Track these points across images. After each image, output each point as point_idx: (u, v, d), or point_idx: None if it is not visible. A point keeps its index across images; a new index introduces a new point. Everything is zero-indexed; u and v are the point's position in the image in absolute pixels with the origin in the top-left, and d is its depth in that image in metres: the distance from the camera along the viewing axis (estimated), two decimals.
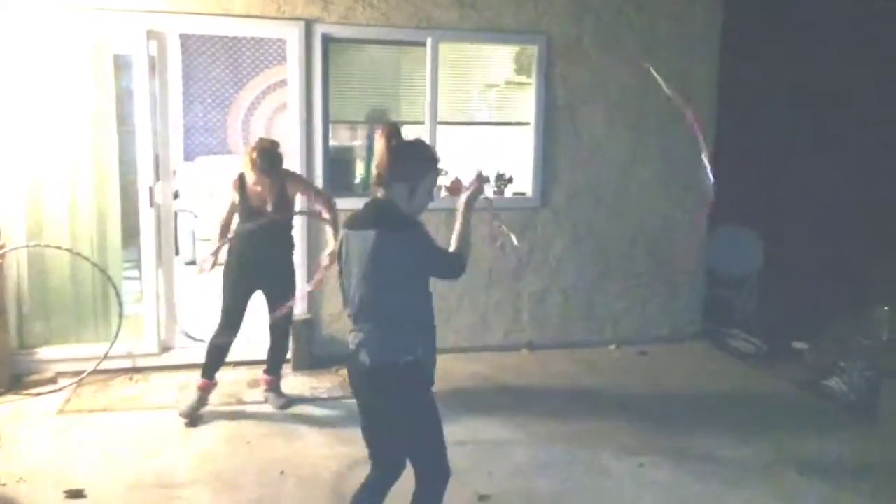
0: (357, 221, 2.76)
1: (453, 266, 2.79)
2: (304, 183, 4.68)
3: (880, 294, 5.96)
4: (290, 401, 4.71)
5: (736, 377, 5.50)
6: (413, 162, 2.76)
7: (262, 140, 4.40)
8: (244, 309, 4.53)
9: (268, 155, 4.27)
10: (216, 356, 4.55)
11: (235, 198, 4.46)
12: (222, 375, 5.06)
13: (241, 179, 4.42)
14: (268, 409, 4.62)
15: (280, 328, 4.68)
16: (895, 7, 5.85)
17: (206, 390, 4.53)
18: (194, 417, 4.42)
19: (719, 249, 6.29)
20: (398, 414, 2.76)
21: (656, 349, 5.94)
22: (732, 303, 6.35)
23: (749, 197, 6.36)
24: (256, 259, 4.42)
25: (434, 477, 2.81)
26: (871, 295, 6.01)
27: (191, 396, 4.52)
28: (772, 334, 5.90)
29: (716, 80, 6.04)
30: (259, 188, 4.31)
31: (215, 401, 4.68)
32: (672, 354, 5.88)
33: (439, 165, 2.89)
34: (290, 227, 4.69)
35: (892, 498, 3.77)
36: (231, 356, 5.21)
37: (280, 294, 4.51)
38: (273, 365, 4.73)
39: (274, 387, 4.73)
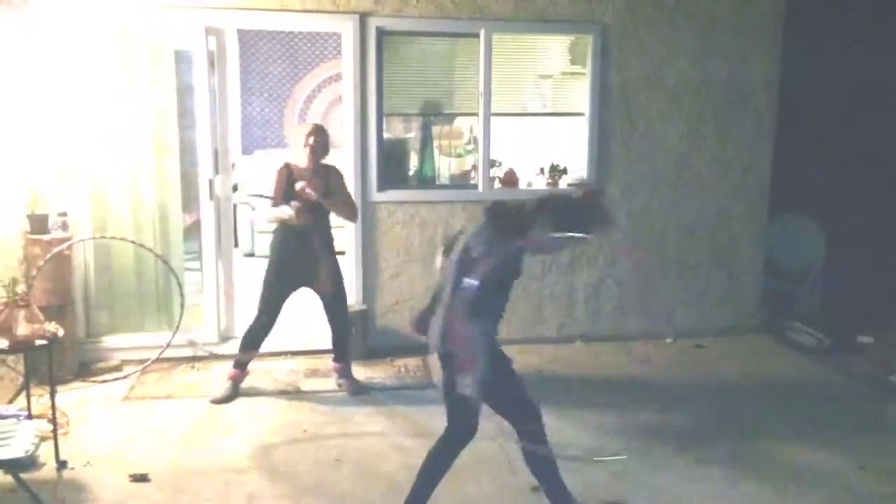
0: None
1: None
2: (342, 181, 4.70)
3: None
4: (364, 386, 4.82)
5: (797, 372, 5.36)
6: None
7: (317, 125, 4.59)
8: (282, 303, 4.66)
9: (326, 140, 4.53)
10: (249, 346, 4.68)
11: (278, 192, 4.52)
12: (280, 364, 5.19)
13: (289, 170, 4.51)
14: (324, 397, 4.69)
15: (335, 318, 4.75)
16: None
17: (237, 380, 4.68)
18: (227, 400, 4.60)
19: (780, 240, 6.13)
20: None
21: (714, 342, 5.83)
22: (793, 295, 6.18)
23: (811, 186, 6.18)
24: (300, 257, 4.54)
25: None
26: None
27: (223, 386, 4.66)
28: (835, 328, 5.72)
29: (777, 67, 5.88)
30: (306, 178, 4.42)
31: (272, 388, 4.78)
32: (730, 348, 5.76)
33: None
34: (329, 225, 4.70)
35: None
36: (288, 345, 5.35)
37: (329, 289, 4.64)
38: (338, 352, 4.81)
39: (344, 373, 4.81)
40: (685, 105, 5.78)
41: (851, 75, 6.21)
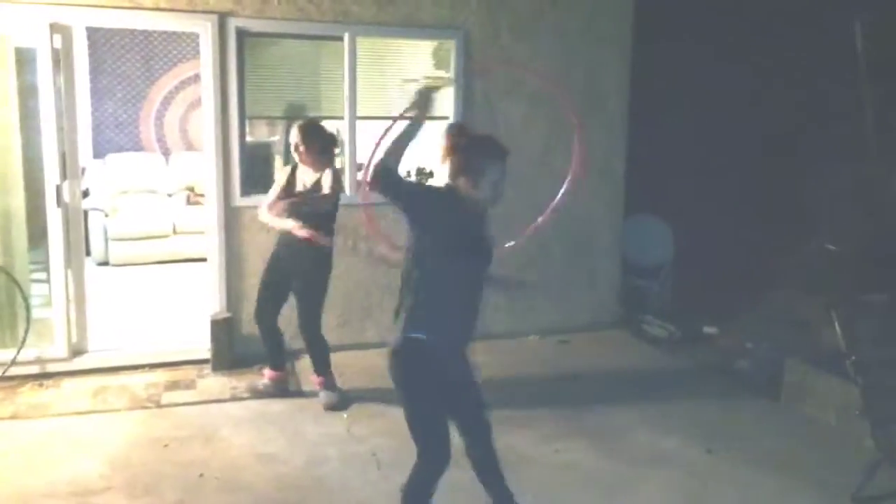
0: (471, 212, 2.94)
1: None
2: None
3: (788, 278, 6.24)
4: (344, 400, 4.64)
5: (650, 362, 5.68)
6: (475, 157, 2.92)
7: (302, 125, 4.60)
8: (278, 297, 4.65)
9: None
10: (267, 343, 4.70)
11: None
12: (138, 378, 4.95)
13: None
14: (186, 410, 4.52)
15: (303, 331, 4.63)
16: (804, 9, 6.10)
17: (276, 381, 4.71)
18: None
19: (633, 239, 6.47)
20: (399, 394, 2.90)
21: (577, 338, 6.06)
22: (647, 291, 6.55)
23: (660, 187, 6.56)
24: (286, 257, 4.54)
25: (425, 458, 2.89)
26: (779, 280, 6.29)
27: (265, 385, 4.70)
28: (684, 320, 6.12)
29: (628, 72, 6.20)
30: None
31: (130, 404, 4.56)
32: (591, 342, 6.02)
33: (500, 160, 3.01)
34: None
35: (792, 472, 3.96)
36: (146, 358, 5.13)
37: (300, 298, 4.58)
38: (316, 365, 4.66)
39: (327, 385, 4.64)
40: (545, 110, 5.98)
41: (698, 82, 6.65)
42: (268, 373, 4.76)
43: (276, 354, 4.75)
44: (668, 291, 6.57)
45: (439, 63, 5.98)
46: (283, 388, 4.76)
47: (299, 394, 4.81)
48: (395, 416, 4.39)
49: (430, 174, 5.92)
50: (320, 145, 4.53)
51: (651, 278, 6.59)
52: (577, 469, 3.94)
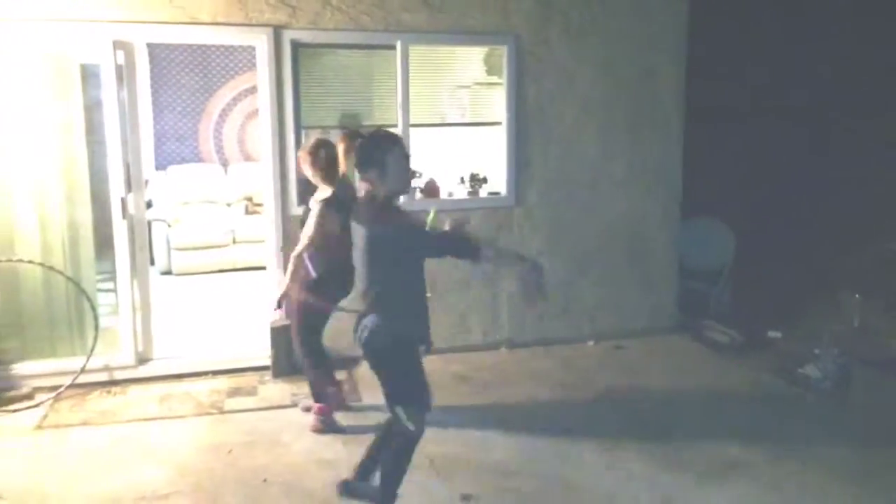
0: (357, 215, 3.21)
1: (462, 247, 3.23)
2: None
3: (851, 281, 6.06)
4: (329, 428, 4.41)
5: (712, 368, 5.56)
6: (373, 147, 3.15)
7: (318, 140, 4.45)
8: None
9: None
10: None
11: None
12: (201, 385, 5.05)
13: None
14: (249, 417, 4.60)
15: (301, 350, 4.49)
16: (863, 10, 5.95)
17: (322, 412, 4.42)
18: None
19: (692, 242, 6.36)
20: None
21: (634, 343, 5.98)
22: (706, 295, 6.42)
23: (720, 190, 6.44)
24: None
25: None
26: (842, 283, 6.11)
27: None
28: (746, 325, 5.97)
29: (684, 74, 6.10)
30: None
31: (194, 410, 4.66)
32: (649, 348, 5.92)
33: (401, 147, 3.19)
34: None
35: (863, 480, 3.84)
36: (209, 365, 5.24)
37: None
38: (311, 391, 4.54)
39: (321, 413, 4.45)
40: (598, 113, 5.93)
41: (758, 85, 6.52)
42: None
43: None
44: (728, 295, 6.43)
45: (491, 69, 5.98)
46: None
47: (356, 399, 4.86)
48: (452, 421, 4.44)
49: (484, 180, 5.92)
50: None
51: (711, 282, 6.46)
52: (639, 479, 3.87)
